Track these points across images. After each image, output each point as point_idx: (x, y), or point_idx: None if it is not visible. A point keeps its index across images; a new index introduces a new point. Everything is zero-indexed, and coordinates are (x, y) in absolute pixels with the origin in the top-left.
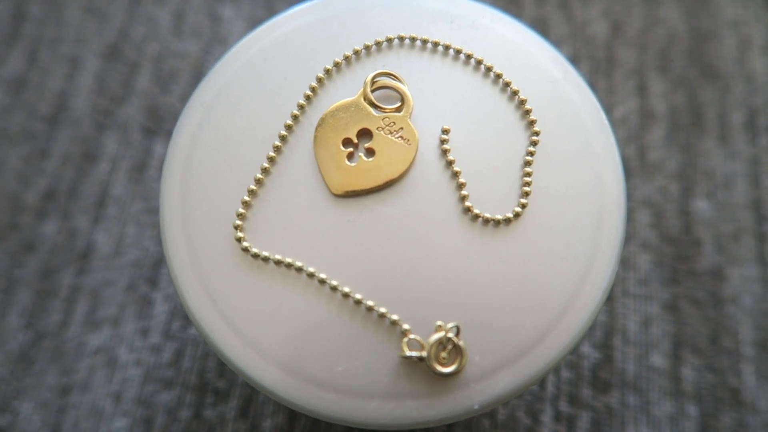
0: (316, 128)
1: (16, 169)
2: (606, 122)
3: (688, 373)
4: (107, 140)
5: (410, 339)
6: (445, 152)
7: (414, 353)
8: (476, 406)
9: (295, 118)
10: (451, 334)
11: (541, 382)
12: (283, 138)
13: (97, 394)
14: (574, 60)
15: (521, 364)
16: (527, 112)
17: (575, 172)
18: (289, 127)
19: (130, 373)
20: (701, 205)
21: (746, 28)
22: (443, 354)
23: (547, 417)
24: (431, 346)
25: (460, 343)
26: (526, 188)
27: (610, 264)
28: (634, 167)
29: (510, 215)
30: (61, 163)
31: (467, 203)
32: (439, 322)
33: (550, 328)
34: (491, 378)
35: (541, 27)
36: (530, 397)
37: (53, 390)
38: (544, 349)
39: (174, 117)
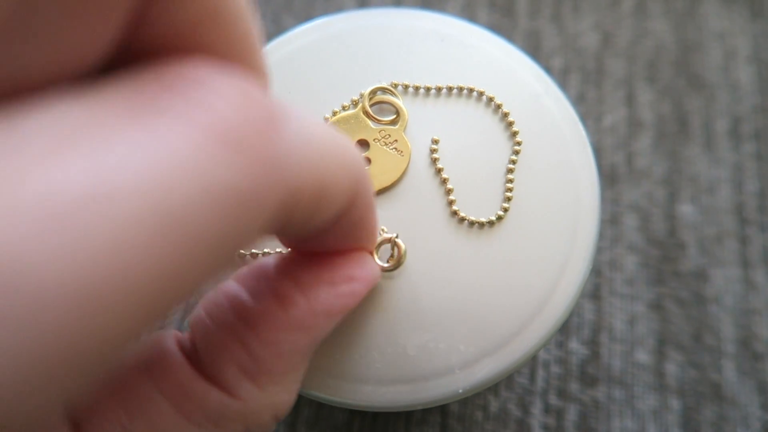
0: None
1: None
2: (583, 133)
3: (671, 368)
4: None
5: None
6: (434, 161)
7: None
8: (461, 390)
9: None
10: (392, 234)
11: (532, 376)
12: None
13: None
14: (566, 71)
15: (502, 353)
16: (510, 124)
17: (554, 180)
18: None
19: None
20: (686, 210)
21: (731, 40)
22: (394, 254)
23: (537, 409)
24: (378, 245)
25: (401, 243)
26: (509, 194)
27: (584, 263)
28: (622, 173)
29: (493, 218)
30: None
31: (454, 207)
32: (382, 227)
33: (528, 321)
34: (475, 365)
35: (534, 39)
36: (521, 390)
37: None
38: (523, 340)
39: None
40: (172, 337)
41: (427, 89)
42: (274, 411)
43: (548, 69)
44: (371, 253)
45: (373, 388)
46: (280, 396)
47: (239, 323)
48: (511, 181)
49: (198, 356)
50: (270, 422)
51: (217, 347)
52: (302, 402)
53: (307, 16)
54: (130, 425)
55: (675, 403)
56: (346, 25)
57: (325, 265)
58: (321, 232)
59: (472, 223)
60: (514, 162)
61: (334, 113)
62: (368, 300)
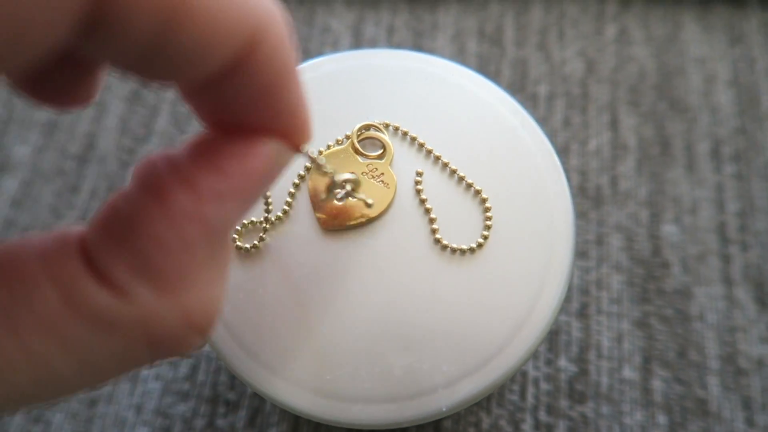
0: (311, 172)
1: (49, 203)
2: (558, 163)
3: (657, 384)
4: (131, 176)
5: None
6: (418, 192)
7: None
8: (444, 409)
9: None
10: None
11: (522, 393)
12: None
13: (120, 406)
14: (552, 97)
15: (482, 372)
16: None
17: (530, 207)
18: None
19: (150, 387)
20: (669, 230)
21: (711, 64)
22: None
23: (527, 425)
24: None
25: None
26: (488, 222)
27: (560, 287)
28: (607, 195)
29: (473, 245)
30: (90, 198)
31: (437, 235)
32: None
33: (506, 342)
34: (457, 385)
35: (521, 67)
36: (512, 407)
37: (82, 401)
38: (502, 360)
39: None
40: (77, 231)
41: (413, 139)
42: (186, 320)
43: (535, 95)
44: (296, 144)
45: (362, 407)
46: (192, 303)
47: (123, 220)
48: (489, 209)
49: (91, 254)
50: (184, 334)
51: (106, 245)
52: (301, 421)
53: (304, 50)
54: (9, 305)
55: (662, 419)
56: (336, 65)
57: (219, 147)
58: (217, 84)
59: (454, 250)
60: (493, 192)
61: (329, 147)
62: (357, 323)
